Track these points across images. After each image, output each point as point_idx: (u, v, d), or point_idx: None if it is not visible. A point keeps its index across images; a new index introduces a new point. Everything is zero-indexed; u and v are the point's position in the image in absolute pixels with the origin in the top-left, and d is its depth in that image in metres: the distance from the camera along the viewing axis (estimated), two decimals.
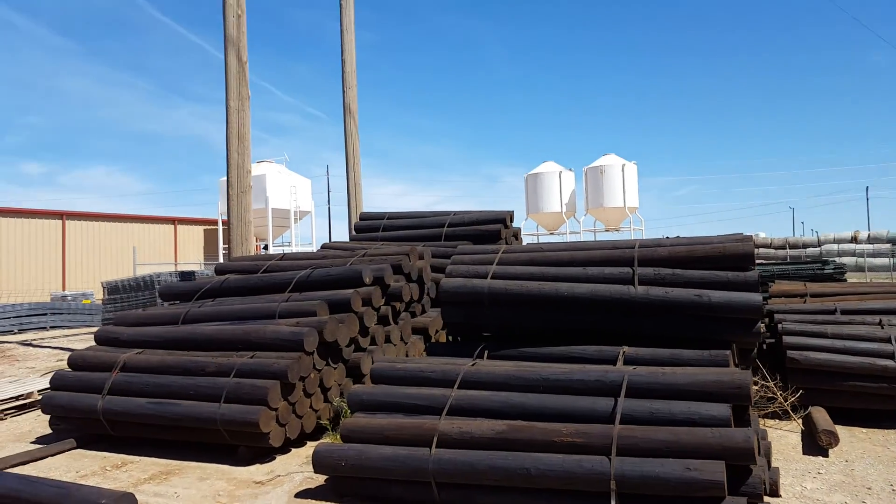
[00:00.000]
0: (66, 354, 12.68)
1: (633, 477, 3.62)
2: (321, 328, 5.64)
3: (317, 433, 5.77)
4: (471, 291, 5.46)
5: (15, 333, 17.83)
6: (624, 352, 5.08)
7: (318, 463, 4.25)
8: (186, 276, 10.53)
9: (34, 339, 15.90)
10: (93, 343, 6.81)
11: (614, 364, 5.00)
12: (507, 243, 9.39)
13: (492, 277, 5.51)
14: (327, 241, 9.84)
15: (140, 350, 6.16)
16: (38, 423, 7.03)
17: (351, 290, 6.16)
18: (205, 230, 38.44)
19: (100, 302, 23.57)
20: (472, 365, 4.67)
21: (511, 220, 9.60)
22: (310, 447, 5.59)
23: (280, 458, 5.34)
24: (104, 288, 10.49)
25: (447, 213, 10.10)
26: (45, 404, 6.06)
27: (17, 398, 7.43)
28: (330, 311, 6.03)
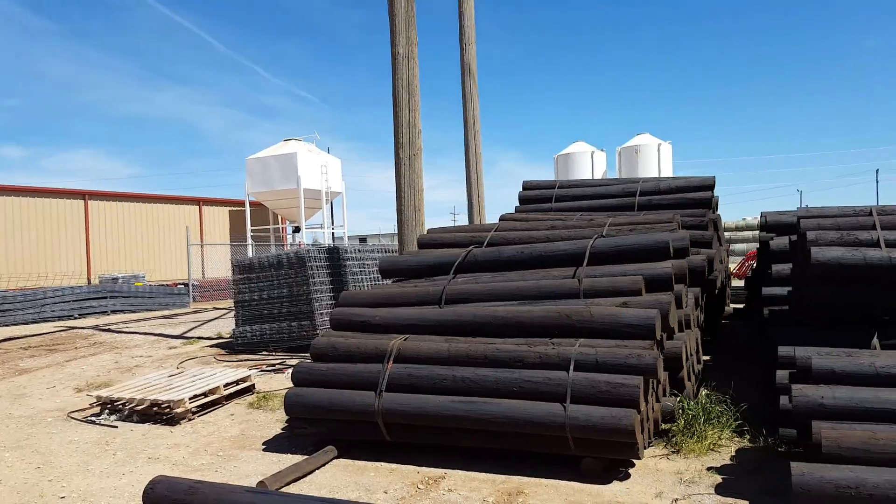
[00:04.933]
0: (168, 341, 11.46)
1: None
2: (665, 311, 4.51)
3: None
4: (862, 265, 4.34)
5: (75, 318, 16.54)
6: None
7: (806, 491, 3.13)
8: (332, 251, 9.31)
9: (110, 325, 14.65)
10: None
11: None
12: (713, 212, 8.27)
13: (887, 246, 4.40)
14: (504, 213, 8.66)
15: (405, 336, 5.00)
16: (239, 423, 5.89)
17: (666, 263, 5.03)
18: (230, 211, 37.22)
19: (164, 284, 22.25)
20: None
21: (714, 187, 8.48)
22: (650, 458, 4.49)
23: (636, 473, 4.23)
24: (234, 266, 9.26)
25: (633, 181, 8.95)
26: (291, 404, 4.90)
27: (195, 396, 6.24)
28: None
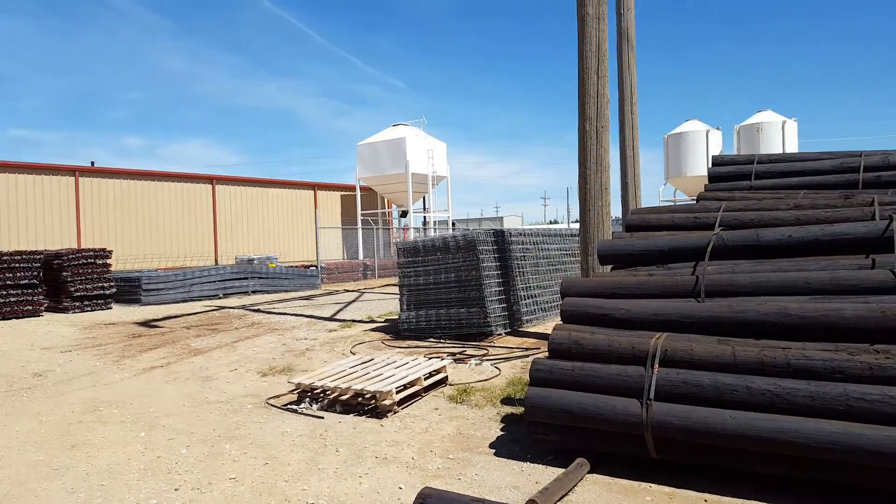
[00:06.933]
0: (324, 323, 11.40)
1: None
2: None
3: None
4: None
5: (220, 298, 17.22)
6: None
7: None
8: (499, 234, 8.75)
9: (256, 305, 15.04)
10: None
11: None
12: None
13: None
14: (700, 192, 7.71)
15: (661, 334, 4.27)
16: (449, 419, 5.45)
17: None
18: (341, 196, 38.21)
19: (293, 266, 22.98)
20: None
21: None
22: None
23: None
24: (399, 249, 8.92)
25: (851, 154, 7.66)
26: (535, 406, 4.33)
27: (400, 388, 5.86)
28: None
